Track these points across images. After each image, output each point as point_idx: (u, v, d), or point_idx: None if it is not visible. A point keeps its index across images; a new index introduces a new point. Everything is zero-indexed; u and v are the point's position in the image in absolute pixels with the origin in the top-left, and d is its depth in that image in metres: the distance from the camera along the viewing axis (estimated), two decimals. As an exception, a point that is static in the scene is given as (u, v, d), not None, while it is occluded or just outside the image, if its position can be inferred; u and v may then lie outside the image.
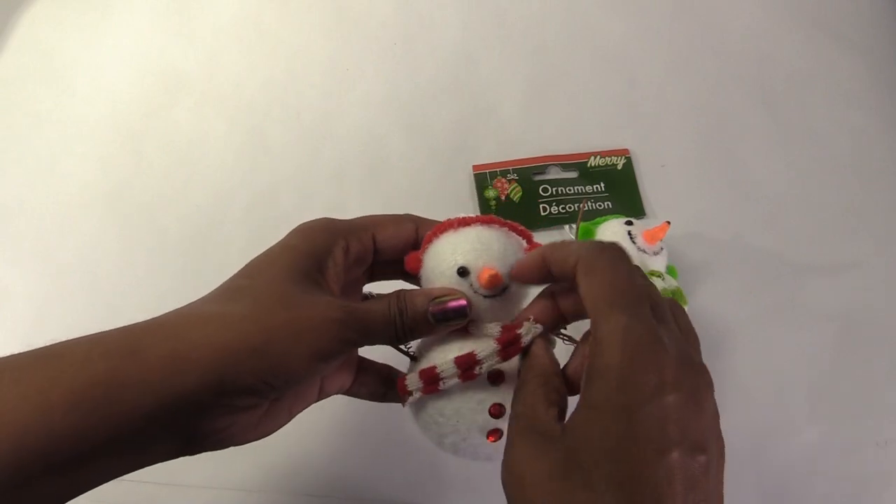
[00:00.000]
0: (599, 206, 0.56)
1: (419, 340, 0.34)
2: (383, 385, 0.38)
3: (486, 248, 0.32)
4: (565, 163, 0.57)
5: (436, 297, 0.32)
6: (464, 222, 0.33)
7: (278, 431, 0.48)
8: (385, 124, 0.59)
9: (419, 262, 0.34)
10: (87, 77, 0.61)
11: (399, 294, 0.32)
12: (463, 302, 0.31)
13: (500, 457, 0.33)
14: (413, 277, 0.35)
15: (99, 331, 0.28)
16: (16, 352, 0.27)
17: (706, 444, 0.25)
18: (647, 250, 0.46)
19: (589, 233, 0.49)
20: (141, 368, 0.26)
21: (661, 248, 0.48)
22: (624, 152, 0.58)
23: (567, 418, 0.27)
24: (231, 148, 0.58)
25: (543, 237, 0.55)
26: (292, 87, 0.61)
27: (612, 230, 0.48)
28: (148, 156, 0.58)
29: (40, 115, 0.60)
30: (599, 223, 0.50)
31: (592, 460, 0.24)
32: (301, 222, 0.34)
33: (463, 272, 0.31)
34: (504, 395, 0.32)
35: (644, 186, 0.57)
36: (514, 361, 0.32)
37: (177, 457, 0.29)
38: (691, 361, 0.26)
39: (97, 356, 0.27)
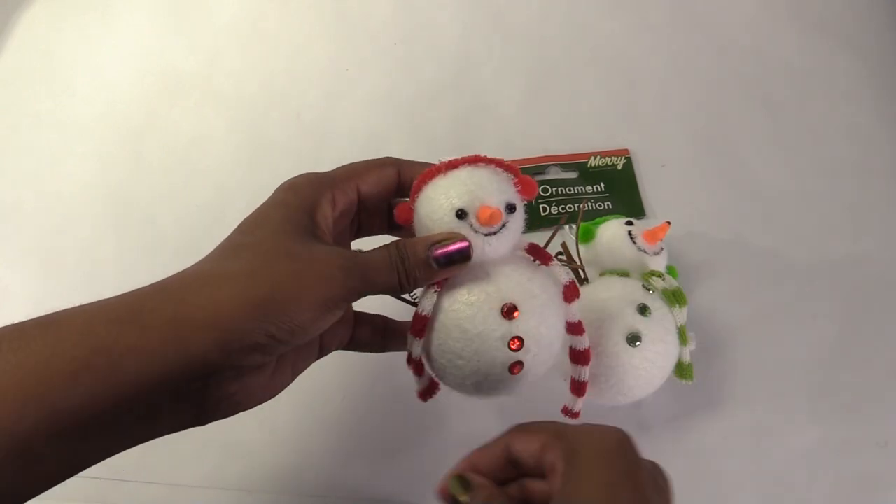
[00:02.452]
0: (599, 206, 0.56)
1: (421, 291, 0.34)
2: (381, 336, 0.38)
3: (479, 187, 0.32)
4: (565, 163, 0.57)
5: (436, 241, 0.31)
6: (451, 165, 0.33)
7: (278, 432, 0.48)
8: (385, 124, 0.59)
9: (411, 212, 0.34)
10: (87, 77, 0.61)
11: (398, 242, 0.32)
12: (465, 243, 0.31)
13: (521, 389, 0.34)
14: (400, 230, 0.35)
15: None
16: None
17: None
18: (647, 250, 0.46)
19: (589, 232, 0.49)
20: (144, 334, 0.26)
21: (661, 248, 0.48)
22: (624, 152, 0.58)
23: None
24: (231, 147, 0.58)
25: (543, 237, 0.55)
26: (292, 87, 0.61)
27: (612, 230, 0.48)
28: (148, 156, 0.58)
29: (40, 115, 0.60)
30: (599, 223, 0.49)
31: None
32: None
33: (461, 214, 0.32)
34: (521, 327, 0.32)
35: (644, 186, 0.57)
36: (529, 291, 0.32)
37: (188, 427, 0.29)
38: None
39: (99, 322, 0.26)
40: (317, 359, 0.36)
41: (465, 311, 0.32)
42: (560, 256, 0.37)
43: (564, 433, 0.29)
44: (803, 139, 0.59)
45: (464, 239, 0.31)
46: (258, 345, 0.28)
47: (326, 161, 0.58)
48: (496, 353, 0.32)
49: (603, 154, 0.57)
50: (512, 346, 0.31)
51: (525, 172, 0.56)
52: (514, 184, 0.34)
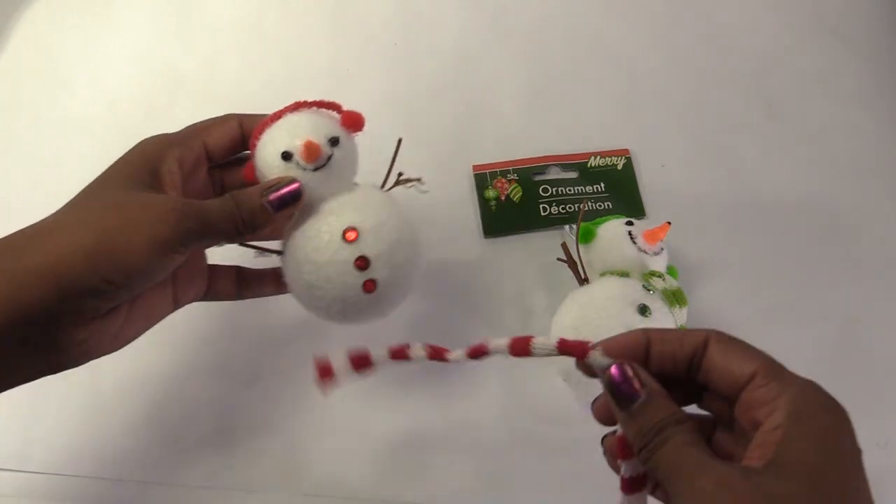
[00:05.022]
0: (599, 206, 0.56)
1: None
2: (236, 285, 0.40)
3: (298, 128, 0.35)
4: (565, 163, 0.57)
5: (268, 187, 0.34)
6: (276, 116, 0.37)
7: (279, 432, 0.48)
8: (385, 124, 0.59)
9: (253, 167, 0.37)
10: (87, 77, 0.61)
11: (233, 193, 0.34)
12: (295, 184, 0.34)
13: (387, 309, 0.36)
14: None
15: None
16: None
17: None
18: (647, 251, 0.46)
19: (589, 233, 0.49)
20: None
21: (662, 249, 0.48)
22: (624, 152, 0.58)
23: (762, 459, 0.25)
24: (231, 148, 0.58)
25: (543, 237, 0.55)
26: (292, 87, 0.61)
27: (612, 230, 0.48)
28: (148, 156, 0.58)
29: (40, 115, 0.60)
30: (600, 223, 0.49)
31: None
32: None
33: (286, 156, 0.35)
34: (363, 247, 0.34)
35: (644, 186, 0.57)
36: (366, 220, 0.35)
37: (43, 375, 0.31)
38: None
39: None
40: (173, 310, 0.37)
41: (310, 244, 0.35)
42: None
43: (784, 377, 0.26)
44: (803, 139, 0.59)
45: (293, 181, 0.34)
46: (95, 290, 0.30)
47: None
48: (346, 276, 0.34)
49: (603, 154, 0.57)
50: (358, 264, 0.34)
51: (526, 173, 0.56)
52: (339, 120, 0.37)
